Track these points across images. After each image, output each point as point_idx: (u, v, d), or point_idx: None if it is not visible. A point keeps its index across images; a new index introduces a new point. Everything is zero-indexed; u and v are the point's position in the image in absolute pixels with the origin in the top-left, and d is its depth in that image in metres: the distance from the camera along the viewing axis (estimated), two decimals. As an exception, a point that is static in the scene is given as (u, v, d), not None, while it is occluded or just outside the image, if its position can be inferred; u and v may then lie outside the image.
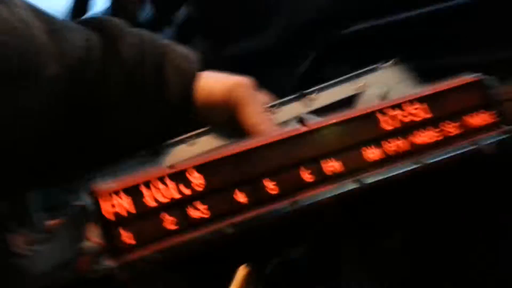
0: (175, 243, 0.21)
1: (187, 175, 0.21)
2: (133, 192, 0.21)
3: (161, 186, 0.21)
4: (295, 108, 0.34)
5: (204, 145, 0.33)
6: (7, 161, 0.26)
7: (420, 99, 0.24)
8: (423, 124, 0.24)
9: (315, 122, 0.23)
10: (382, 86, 0.35)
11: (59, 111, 0.27)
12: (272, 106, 0.34)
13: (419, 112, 0.24)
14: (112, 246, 0.20)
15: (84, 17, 0.35)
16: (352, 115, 0.23)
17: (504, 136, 0.25)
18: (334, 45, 0.51)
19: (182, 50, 0.34)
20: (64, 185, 0.30)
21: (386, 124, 0.23)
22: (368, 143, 0.23)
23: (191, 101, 0.32)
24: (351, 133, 0.23)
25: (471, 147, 0.24)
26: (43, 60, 0.26)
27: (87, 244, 0.25)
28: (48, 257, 0.24)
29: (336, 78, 0.36)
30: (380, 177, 0.23)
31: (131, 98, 0.30)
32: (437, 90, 0.24)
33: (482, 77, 0.25)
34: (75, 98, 0.28)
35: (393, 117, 0.23)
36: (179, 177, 0.21)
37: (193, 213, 0.21)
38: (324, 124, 0.23)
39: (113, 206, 0.20)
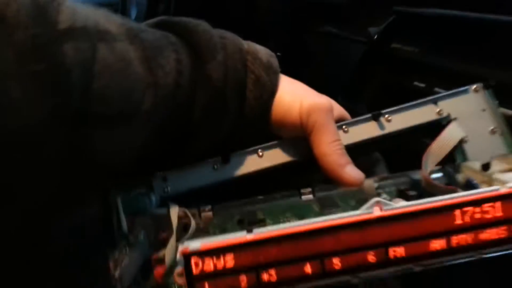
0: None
1: (264, 244, 0.24)
2: (217, 253, 0.24)
3: (241, 250, 0.24)
4: (369, 129, 0.34)
5: (273, 158, 0.34)
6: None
7: (498, 198, 0.24)
8: (492, 223, 0.24)
9: (390, 208, 0.24)
10: (464, 118, 0.34)
11: (155, 138, 0.29)
12: (346, 125, 0.34)
13: (491, 210, 0.24)
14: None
15: (163, 17, 0.33)
16: (427, 207, 0.24)
17: None
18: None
19: (262, 55, 0.34)
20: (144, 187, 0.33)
21: (459, 219, 0.24)
22: (437, 236, 0.24)
23: (267, 118, 0.33)
24: (422, 225, 0.24)
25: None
26: (141, 95, 0.26)
27: (163, 254, 0.29)
28: (131, 270, 0.28)
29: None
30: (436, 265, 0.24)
31: (213, 117, 0.31)
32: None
33: None
34: (166, 123, 0.29)
35: (466, 212, 0.24)
36: (257, 245, 0.24)
37: (265, 276, 0.24)
38: (397, 212, 0.24)
39: (197, 264, 0.24)
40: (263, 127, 0.34)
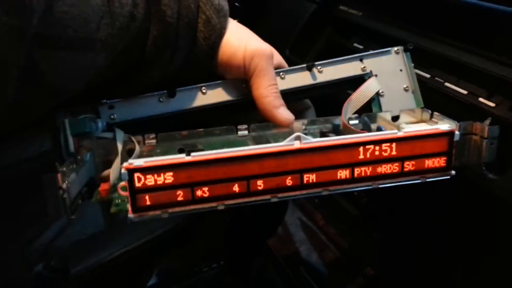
0: (182, 210, 0.28)
1: (200, 165, 0.28)
2: (158, 170, 0.27)
3: (179, 169, 0.27)
4: (303, 78, 0.38)
5: (216, 96, 0.38)
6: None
7: (395, 140, 0.29)
8: (388, 159, 0.30)
9: (308, 142, 0.29)
10: (383, 75, 0.39)
11: (109, 66, 0.30)
12: (284, 72, 0.38)
13: (388, 149, 0.30)
14: (135, 205, 0.28)
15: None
16: (337, 143, 0.29)
17: (447, 178, 0.31)
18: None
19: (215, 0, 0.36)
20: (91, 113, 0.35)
21: (361, 154, 0.29)
22: (343, 166, 0.29)
23: (214, 58, 0.36)
24: (332, 157, 0.29)
25: (418, 181, 0.31)
26: (97, 23, 0.28)
27: (108, 173, 0.32)
28: (77, 184, 0.31)
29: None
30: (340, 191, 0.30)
31: (165, 51, 0.33)
32: (411, 134, 0.30)
33: (456, 128, 0.31)
34: (120, 52, 0.31)
35: (368, 149, 0.29)
36: (193, 165, 0.28)
37: (199, 193, 0.28)
38: (313, 146, 0.29)
39: (139, 178, 0.27)
40: (210, 67, 0.36)
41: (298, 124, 0.37)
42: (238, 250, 0.73)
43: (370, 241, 0.61)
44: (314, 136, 0.37)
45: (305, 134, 0.37)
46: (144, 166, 0.27)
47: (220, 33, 0.36)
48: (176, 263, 0.66)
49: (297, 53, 0.64)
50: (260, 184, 0.29)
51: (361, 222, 0.59)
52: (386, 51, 0.39)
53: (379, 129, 0.36)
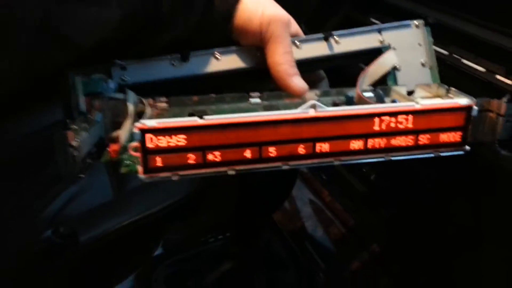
0: (192, 173, 0.28)
1: (212, 129, 0.27)
2: (170, 132, 0.27)
3: (192, 132, 0.27)
4: (319, 48, 0.38)
5: (230, 62, 0.37)
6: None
7: (412, 112, 0.29)
8: (403, 132, 0.29)
9: (323, 110, 0.28)
10: (401, 49, 0.38)
11: (125, 23, 0.30)
12: (300, 41, 0.37)
13: (404, 122, 0.29)
14: (146, 166, 0.27)
15: None
16: (353, 113, 0.28)
17: (461, 153, 0.31)
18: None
19: None
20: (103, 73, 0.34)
21: (376, 125, 0.29)
22: (356, 137, 0.29)
23: (231, 21, 0.35)
24: (346, 127, 0.29)
25: (432, 155, 0.31)
26: None
27: (119, 134, 0.32)
28: (88, 143, 0.30)
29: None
30: (352, 162, 0.30)
31: (181, 11, 0.32)
32: (429, 107, 0.29)
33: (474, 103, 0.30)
34: (137, 9, 0.30)
35: (384, 121, 0.29)
36: (206, 129, 0.27)
37: (210, 156, 0.28)
38: (328, 115, 0.28)
39: (151, 139, 0.27)
40: (225, 31, 0.36)
41: (311, 95, 0.36)
42: (245, 222, 0.74)
43: (377, 218, 0.61)
44: (328, 106, 0.36)
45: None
46: (157, 127, 0.27)
47: None
48: (183, 234, 0.66)
49: (314, 28, 0.62)
50: (272, 151, 0.28)
51: (369, 199, 0.59)
52: (406, 24, 0.38)
53: (393, 103, 0.35)
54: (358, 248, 0.65)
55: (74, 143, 0.28)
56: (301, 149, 0.29)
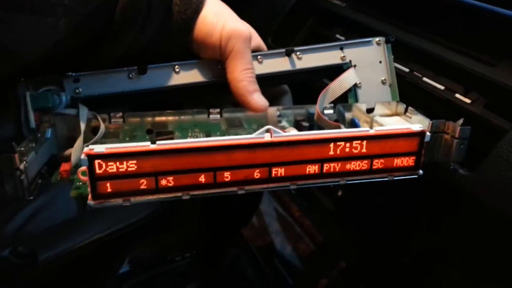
0: (145, 199, 0.28)
1: (165, 154, 0.27)
2: (120, 158, 0.26)
3: (143, 157, 0.26)
4: (281, 63, 0.37)
5: (189, 76, 0.36)
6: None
7: (366, 138, 0.29)
8: (358, 157, 0.30)
9: (278, 136, 0.28)
10: (362, 66, 0.38)
11: (74, 32, 0.28)
12: (262, 56, 0.36)
13: (359, 147, 0.29)
14: (95, 192, 0.27)
15: None
16: (308, 138, 0.28)
17: (414, 177, 0.32)
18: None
19: None
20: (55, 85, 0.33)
21: (332, 150, 0.29)
22: (312, 162, 0.29)
23: (190, 34, 0.34)
24: (302, 152, 0.28)
25: (386, 179, 0.31)
26: None
27: (70, 153, 0.31)
28: (36, 164, 0.29)
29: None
30: (309, 186, 0.30)
31: (135, 21, 0.31)
32: (382, 133, 0.29)
33: (428, 127, 0.30)
34: (86, 19, 0.28)
35: (339, 146, 0.29)
36: (158, 154, 0.27)
37: (163, 182, 0.27)
38: (283, 140, 0.28)
39: (100, 165, 0.26)
40: (184, 43, 0.35)
41: (273, 110, 0.36)
42: (211, 240, 0.73)
43: (344, 234, 0.62)
44: (289, 123, 0.36)
45: (280, 121, 0.37)
46: (106, 153, 0.26)
47: (197, 8, 0.34)
48: (149, 251, 0.65)
49: (280, 43, 0.62)
50: (227, 175, 0.28)
51: (336, 215, 0.60)
52: (368, 41, 0.38)
53: (353, 121, 0.35)
54: (326, 265, 0.66)
55: (21, 166, 0.27)
56: (257, 174, 0.28)
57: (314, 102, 0.36)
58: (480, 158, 0.34)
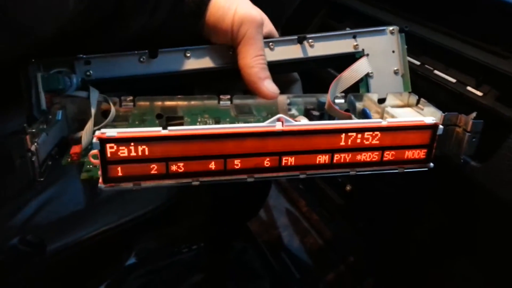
0: (155, 184, 0.28)
1: (176, 140, 0.27)
2: (131, 142, 0.26)
3: (154, 142, 0.26)
4: (293, 50, 0.37)
5: (200, 61, 0.36)
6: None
7: (378, 129, 0.29)
8: (369, 148, 0.29)
9: (290, 125, 0.28)
10: (375, 55, 0.37)
11: (86, 11, 0.28)
12: (273, 42, 0.36)
13: (371, 138, 0.29)
14: (106, 176, 0.27)
15: None
16: (319, 128, 0.28)
17: (424, 169, 0.31)
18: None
19: None
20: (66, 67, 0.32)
21: (343, 141, 0.29)
22: (323, 152, 0.29)
23: (202, 18, 0.33)
24: (313, 141, 0.28)
25: (396, 171, 0.31)
26: None
27: (81, 135, 0.31)
28: (47, 145, 0.29)
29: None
30: (318, 175, 0.30)
31: (147, 1, 0.31)
32: (395, 125, 0.29)
33: (441, 119, 0.30)
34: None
35: (350, 136, 0.29)
36: (169, 140, 0.27)
37: (173, 167, 0.27)
38: (295, 129, 0.28)
39: (112, 148, 0.26)
40: (196, 27, 0.34)
41: (283, 98, 0.36)
42: (218, 232, 0.74)
43: (353, 229, 0.62)
44: (299, 112, 0.36)
45: (289, 109, 0.36)
46: (117, 137, 0.26)
47: None
48: (156, 243, 0.66)
49: (290, 35, 0.61)
50: (237, 163, 0.28)
51: (345, 210, 0.60)
52: (381, 30, 0.37)
53: (364, 111, 0.35)
54: (334, 260, 0.66)
55: (32, 148, 0.27)
56: (267, 162, 0.28)
57: (320, 91, 0.36)
58: (491, 150, 0.34)
